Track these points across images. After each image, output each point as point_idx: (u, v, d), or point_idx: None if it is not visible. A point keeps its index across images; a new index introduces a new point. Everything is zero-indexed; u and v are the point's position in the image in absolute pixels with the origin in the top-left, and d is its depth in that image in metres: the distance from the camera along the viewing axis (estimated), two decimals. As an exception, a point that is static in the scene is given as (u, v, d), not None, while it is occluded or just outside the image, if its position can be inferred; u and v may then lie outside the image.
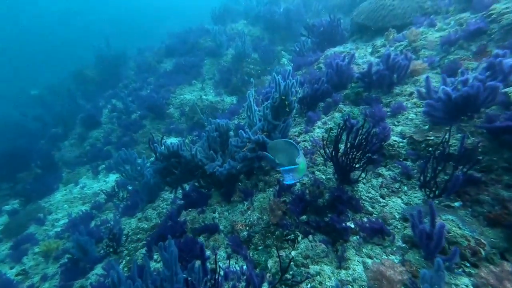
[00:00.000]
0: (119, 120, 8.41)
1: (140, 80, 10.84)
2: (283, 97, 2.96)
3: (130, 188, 5.39)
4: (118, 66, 12.13)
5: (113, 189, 5.44)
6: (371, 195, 2.45)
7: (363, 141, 2.39)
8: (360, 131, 2.42)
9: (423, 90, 2.78)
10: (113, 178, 6.55)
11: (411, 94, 3.27)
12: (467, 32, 3.56)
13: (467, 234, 1.82)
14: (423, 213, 1.90)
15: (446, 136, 2.08)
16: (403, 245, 1.98)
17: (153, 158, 5.73)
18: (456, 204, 2.08)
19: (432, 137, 2.43)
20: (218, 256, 2.64)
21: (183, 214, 3.20)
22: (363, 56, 4.64)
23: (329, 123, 3.61)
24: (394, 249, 1.99)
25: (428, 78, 2.64)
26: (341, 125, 3.10)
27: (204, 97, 8.41)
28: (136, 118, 8.13)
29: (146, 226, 3.79)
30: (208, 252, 2.72)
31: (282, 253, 2.41)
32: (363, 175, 2.62)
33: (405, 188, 2.39)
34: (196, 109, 6.56)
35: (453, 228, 1.89)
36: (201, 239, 2.90)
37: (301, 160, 2.09)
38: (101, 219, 4.76)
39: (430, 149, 2.37)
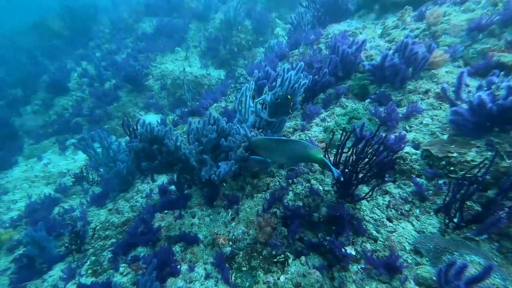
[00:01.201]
0: (91, 88, 7.66)
1: (116, 41, 9.82)
2: (289, 96, 2.56)
3: (102, 170, 4.93)
4: (88, 20, 10.77)
5: (81, 171, 4.96)
6: (376, 216, 2.17)
7: (372, 156, 2.07)
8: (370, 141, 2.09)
9: (450, 89, 2.41)
10: (83, 156, 6.01)
11: (427, 91, 2.88)
12: (503, 15, 3.04)
13: (498, 283, 1.59)
14: (441, 248, 1.66)
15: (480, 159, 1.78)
16: (416, 287, 1.73)
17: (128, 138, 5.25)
18: (481, 236, 1.83)
19: (455, 154, 2.09)
20: (196, 274, 2.36)
21: (157, 217, 2.85)
22: (371, 40, 4.15)
23: (328, 120, 3.25)
24: None
25: (463, 74, 2.25)
26: (346, 130, 2.78)
27: (188, 68, 7.74)
28: (111, 88, 7.41)
29: (117, 220, 3.43)
30: (184, 267, 2.44)
31: (270, 278, 2.16)
32: (368, 189, 2.35)
33: (417, 211, 2.11)
34: (183, 85, 5.96)
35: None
36: (177, 248, 2.59)
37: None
38: (67, 206, 4.34)
39: (452, 168, 2.07)
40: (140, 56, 8.67)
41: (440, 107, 2.64)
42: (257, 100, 2.75)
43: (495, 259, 1.71)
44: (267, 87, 3.84)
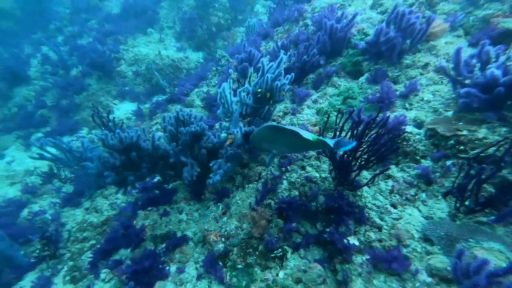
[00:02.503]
0: (55, 77, 7.11)
1: (78, 23, 9.13)
2: (268, 95, 2.39)
3: (75, 167, 4.61)
4: None
5: (51, 168, 4.61)
6: (378, 202, 2.08)
7: (373, 139, 1.96)
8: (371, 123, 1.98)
9: (449, 65, 2.29)
10: (53, 151, 5.60)
11: (426, 65, 2.76)
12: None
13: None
14: (454, 235, 1.59)
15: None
16: (429, 279, 1.64)
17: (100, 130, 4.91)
18: (493, 219, 1.74)
19: (465, 132, 1.96)
20: (186, 275, 2.23)
21: (140, 216, 2.66)
22: (362, 12, 3.97)
23: (321, 101, 3.12)
24: (417, 284, 1.65)
25: (460, 51, 2.13)
26: (342, 111, 2.65)
27: (164, 51, 7.33)
28: (78, 76, 6.90)
29: (95, 220, 3.21)
30: (173, 268, 2.29)
31: (268, 274, 2.05)
32: (368, 174, 2.26)
33: (424, 195, 2.01)
34: (153, 72, 5.59)
35: (503, 264, 1.52)
36: (164, 248, 2.43)
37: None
38: (37, 208, 4.03)
39: (462, 147, 1.95)
40: (108, 39, 8.12)
41: (442, 82, 2.53)
42: (239, 90, 2.57)
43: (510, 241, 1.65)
44: (251, 70, 3.65)
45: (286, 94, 2.58)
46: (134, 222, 2.59)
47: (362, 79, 3.08)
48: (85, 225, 3.23)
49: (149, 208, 2.70)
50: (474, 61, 2.11)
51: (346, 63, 3.27)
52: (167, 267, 2.28)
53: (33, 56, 7.89)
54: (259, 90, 2.36)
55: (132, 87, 6.53)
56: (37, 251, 3.00)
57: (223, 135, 2.72)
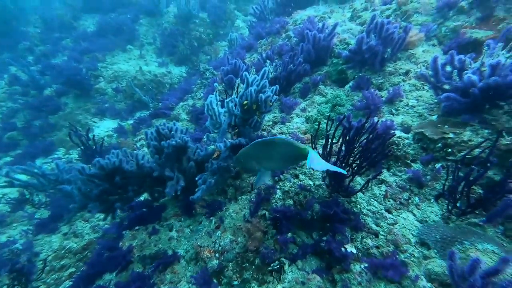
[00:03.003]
0: (26, 97, 6.93)
1: (51, 42, 9.03)
2: (254, 106, 2.44)
3: (51, 191, 4.43)
4: (11, 19, 9.64)
5: (23, 193, 4.40)
6: (373, 208, 2.13)
7: (365, 144, 2.02)
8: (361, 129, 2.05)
9: (429, 72, 2.45)
10: (23, 177, 5.38)
11: (407, 72, 2.96)
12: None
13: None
14: (449, 238, 1.63)
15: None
16: (429, 285, 1.66)
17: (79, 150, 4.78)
18: (483, 220, 1.81)
19: (451, 135, 2.09)
20: (180, 296, 2.15)
21: (127, 236, 2.58)
22: (342, 23, 4.19)
23: (309, 109, 3.20)
24: None
25: (437, 59, 2.30)
26: (332, 118, 2.73)
27: (145, 67, 7.34)
28: (52, 95, 6.75)
29: (75, 245, 3.07)
30: (165, 290, 2.21)
31: (266, 289, 2.02)
32: (361, 180, 2.31)
33: (417, 199, 2.08)
34: (133, 88, 5.57)
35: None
36: (153, 269, 2.35)
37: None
38: (5, 238, 3.80)
39: (449, 150, 2.06)
40: (85, 57, 8.06)
41: (423, 87, 2.70)
42: (227, 101, 2.61)
43: (504, 244, 1.71)
44: (238, 81, 3.72)
45: (274, 104, 2.63)
46: (120, 243, 2.50)
47: (347, 87, 3.20)
48: (63, 252, 3.08)
49: (137, 228, 2.62)
50: (448, 68, 2.26)
51: (331, 71, 3.40)
52: (158, 289, 2.20)
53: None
54: (245, 102, 2.40)
55: (113, 104, 6.45)
56: (8, 285, 2.81)
57: (211, 147, 2.73)
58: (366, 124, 2.01)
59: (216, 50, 8.88)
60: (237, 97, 2.59)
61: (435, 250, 1.75)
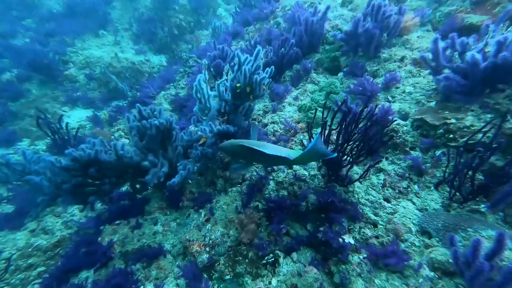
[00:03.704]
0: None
1: (8, 21, 8.46)
2: (248, 89, 2.37)
3: (16, 183, 4.13)
4: None
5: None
6: (372, 197, 2.14)
7: (363, 131, 2.02)
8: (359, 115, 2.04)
9: (429, 55, 2.45)
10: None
11: (402, 59, 2.99)
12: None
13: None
14: (451, 225, 1.65)
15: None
16: (432, 273, 1.68)
17: (48, 140, 4.52)
18: (483, 206, 1.86)
19: (453, 120, 2.10)
20: (167, 293, 2.07)
21: (106, 231, 2.45)
22: (333, 9, 4.19)
23: (301, 98, 3.19)
24: (421, 280, 1.68)
25: (437, 40, 2.30)
26: (327, 106, 2.71)
27: (121, 55, 7.06)
28: (12, 80, 6.32)
29: (44, 243, 2.88)
30: (149, 287, 2.12)
31: (260, 283, 1.98)
32: (357, 170, 2.31)
33: (416, 187, 2.11)
34: (108, 75, 5.32)
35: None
36: (137, 265, 2.25)
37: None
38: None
39: (451, 136, 2.08)
40: (50, 40, 7.63)
41: (419, 74, 2.74)
42: (218, 83, 2.52)
43: (506, 231, 1.74)
44: (227, 66, 3.63)
45: (266, 89, 2.57)
46: (99, 238, 2.37)
47: (340, 74, 3.21)
48: (30, 250, 2.88)
49: (117, 222, 2.50)
50: (448, 52, 2.29)
51: (323, 59, 3.40)
52: (142, 287, 2.11)
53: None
54: (237, 85, 2.32)
55: (85, 92, 6.14)
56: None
57: (198, 133, 2.63)
58: (365, 109, 2.01)
59: (198, 39, 8.71)
60: (227, 81, 2.51)
61: (437, 239, 1.78)
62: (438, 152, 2.14)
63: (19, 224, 3.32)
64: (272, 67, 2.39)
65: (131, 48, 8.31)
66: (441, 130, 2.13)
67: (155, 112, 2.33)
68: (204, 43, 7.73)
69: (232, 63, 3.64)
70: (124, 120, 4.71)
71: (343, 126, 2.04)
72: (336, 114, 2.12)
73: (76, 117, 5.46)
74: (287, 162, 1.82)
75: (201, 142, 2.43)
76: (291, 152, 1.78)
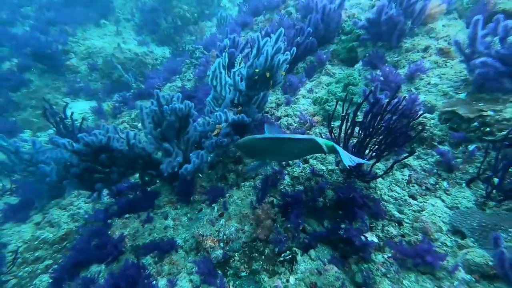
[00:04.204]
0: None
1: (7, 8, 8.38)
2: (267, 74, 2.30)
3: (17, 176, 4.11)
4: None
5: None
6: (396, 194, 2.09)
7: (390, 124, 1.96)
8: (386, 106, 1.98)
9: (464, 41, 2.31)
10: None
11: (426, 48, 2.89)
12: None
13: None
14: (489, 225, 1.59)
15: None
16: (468, 276, 1.60)
17: (51, 130, 4.49)
18: None
19: (490, 112, 1.99)
20: (180, 289, 2.04)
21: (116, 224, 2.41)
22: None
23: (316, 90, 3.13)
24: (456, 283, 1.60)
25: (478, 22, 2.15)
26: (352, 97, 2.65)
27: (124, 45, 6.98)
28: (13, 70, 6.27)
29: (51, 236, 2.86)
30: (163, 282, 2.08)
31: (278, 281, 1.94)
32: (379, 165, 2.26)
33: (445, 184, 2.03)
34: (114, 63, 5.25)
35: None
36: (148, 260, 2.21)
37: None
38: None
39: (488, 129, 1.98)
40: (51, 29, 7.56)
41: (446, 64, 2.67)
42: (234, 70, 2.46)
43: None
44: (240, 56, 3.57)
45: (285, 75, 2.49)
46: (109, 232, 2.33)
47: (358, 65, 3.14)
48: (36, 242, 2.86)
49: (127, 216, 2.46)
50: (488, 39, 2.18)
51: (339, 49, 3.33)
52: (154, 282, 2.07)
53: None
54: (256, 70, 2.25)
55: (87, 83, 6.10)
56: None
57: (211, 121, 2.58)
58: (391, 101, 1.95)
59: (202, 30, 8.62)
60: (244, 68, 2.44)
61: (472, 239, 1.71)
62: (471, 147, 2.06)
63: (24, 216, 3.31)
64: (294, 48, 2.32)
65: (133, 39, 8.24)
66: (475, 123, 2.04)
67: (173, 99, 2.28)
68: (208, 34, 7.65)
69: (245, 52, 3.58)
70: (128, 112, 4.68)
71: (369, 118, 1.99)
72: (360, 106, 2.05)
73: (78, 109, 5.41)
74: (318, 148, 1.76)
75: (215, 132, 2.38)
76: (320, 139, 1.73)
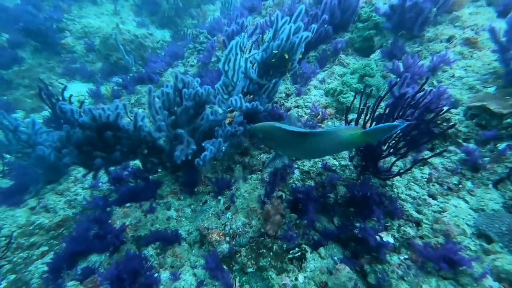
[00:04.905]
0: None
1: None
2: (286, 55, 2.21)
3: (9, 157, 4.00)
4: None
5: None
6: (414, 193, 2.03)
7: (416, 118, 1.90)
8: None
9: (502, 27, 2.17)
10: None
11: (450, 38, 2.78)
12: None
13: None
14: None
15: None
16: (496, 284, 1.54)
17: (46, 112, 4.38)
18: None
19: None
20: (183, 283, 1.99)
21: (117, 213, 2.35)
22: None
23: (329, 81, 3.06)
24: None
25: None
26: (359, 90, 2.58)
27: (122, 26, 6.81)
28: (3, 45, 6.08)
29: (47, 221, 2.80)
30: (165, 274, 2.04)
31: (286, 279, 1.91)
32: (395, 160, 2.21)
33: (469, 184, 1.96)
34: (117, 44, 5.10)
35: None
36: (150, 251, 2.16)
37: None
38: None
39: None
40: (44, 4, 7.35)
41: (472, 56, 2.59)
42: (247, 57, 2.38)
43: None
44: (249, 42, 3.49)
45: (296, 66, 2.40)
46: (110, 221, 2.27)
47: (374, 55, 3.07)
48: (31, 228, 2.81)
49: (128, 205, 2.40)
50: None
51: (354, 38, 3.25)
52: (156, 274, 2.03)
53: None
54: (275, 51, 2.16)
55: (84, 64, 5.95)
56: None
57: (221, 111, 2.51)
58: (418, 94, 1.88)
59: (205, 14, 8.45)
60: (258, 52, 2.34)
61: (500, 244, 1.65)
62: (501, 145, 1.98)
63: (18, 200, 3.24)
64: (314, 26, 2.23)
65: (132, 19, 8.05)
66: (508, 120, 1.96)
67: (193, 82, 2.20)
68: (212, 18, 7.50)
69: (253, 38, 3.48)
70: (128, 96, 4.58)
71: (391, 112, 1.93)
72: (382, 99, 1.98)
73: (74, 91, 5.27)
74: (344, 144, 1.65)
75: (227, 121, 2.32)
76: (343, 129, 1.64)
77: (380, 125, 1.54)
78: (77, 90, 5.40)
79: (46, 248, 2.60)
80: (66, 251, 2.16)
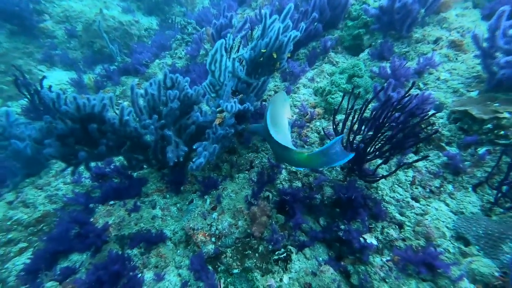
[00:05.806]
0: None
1: None
2: (274, 54, 2.21)
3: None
4: None
5: None
6: (398, 195, 2.10)
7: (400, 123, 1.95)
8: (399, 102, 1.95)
9: (482, 34, 2.22)
10: None
11: (437, 40, 2.84)
12: None
13: None
14: (496, 233, 1.62)
15: None
16: (472, 286, 1.61)
17: (24, 101, 4.25)
18: None
19: (506, 114, 1.94)
20: (167, 284, 2.01)
21: (100, 212, 2.33)
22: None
23: (318, 79, 3.08)
24: None
25: (503, 14, 2.05)
26: (347, 91, 2.61)
27: (106, 11, 6.61)
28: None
29: (25, 217, 2.75)
30: (149, 275, 2.05)
31: (271, 280, 1.95)
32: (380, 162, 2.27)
33: (450, 187, 2.03)
34: (100, 31, 4.96)
35: None
36: (134, 251, 2.17)
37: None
38: None
39: (502, 133, 1.96)
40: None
41: (457, 59, 2.64)
42: (234, 56, 2.36)
43: None
44: (238, 37, 3.46)
45: (289, 56, 2.41)
46: (92, 219, 2.25)
47: (363, 55, 3.10)
48: (9, 223, 2.75)
49: (111, 202, 2.39)
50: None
51: (344, 36, 3.27)
52: (140, 274, 2.04)
53: None
54: (263, 50, 2.16)
55: (65, 51, 5.77)
56: None
57: (210, 112, 2.51)
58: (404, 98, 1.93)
59: (193, 2, 8.31)
60: (246, 50, 2.34)
61: (477, 247, 1.72)
62: (481, 150, 2.05)
63: (-6, 194, 3.16)
64: (303, 24, 2.23)
65: (116, 4, 7.81)
66: (489, 125, 2.02)
67: (181, 83, 2.18)
68: (200, 7, 7.38)
69: (243, 33, 3.45)
70: (113, 88, 4.49)
71: (377, 116, 1.96)
72: (369, 103, 2.02)
73: (55, 79, 5.14)
74: (291, 158, 1.83)
75: (217, 122, 2.31)
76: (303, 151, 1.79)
77: (324, 149, 1.67)
78: (58, 78, 5.25)
79: (24, 244, 2.56)
80: (45, 251, 2.14)
